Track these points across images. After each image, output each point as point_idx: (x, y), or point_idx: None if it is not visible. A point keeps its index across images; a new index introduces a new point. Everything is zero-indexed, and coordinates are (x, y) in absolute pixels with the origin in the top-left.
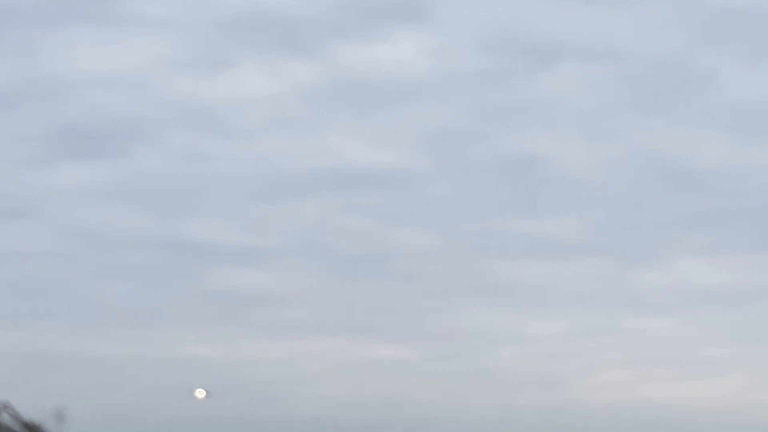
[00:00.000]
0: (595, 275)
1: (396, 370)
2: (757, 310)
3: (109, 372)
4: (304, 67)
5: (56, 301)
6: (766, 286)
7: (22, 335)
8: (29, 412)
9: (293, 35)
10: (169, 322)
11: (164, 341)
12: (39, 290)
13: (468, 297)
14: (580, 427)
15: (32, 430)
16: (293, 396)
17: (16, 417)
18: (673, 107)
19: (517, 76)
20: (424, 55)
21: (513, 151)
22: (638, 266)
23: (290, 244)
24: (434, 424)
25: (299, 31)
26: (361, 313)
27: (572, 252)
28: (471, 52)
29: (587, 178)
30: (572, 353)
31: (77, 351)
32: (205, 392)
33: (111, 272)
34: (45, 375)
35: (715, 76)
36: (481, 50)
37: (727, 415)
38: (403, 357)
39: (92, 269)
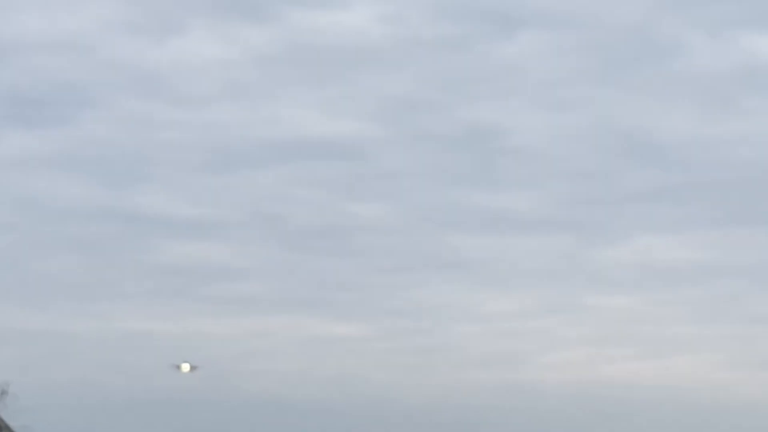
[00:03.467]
0: (555, 251)
1: (351, 347)
2: (721, 288)
3: (54, 347)
4: (257, 32)
5: None
6: (730, 263)
7: None
8: None
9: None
10: (116, 297)
11: (112, 316)
12: None
13: (425, 273)
14: (539, 406)
15: None
16: (246, 373)
17: None
18: (636, 77)
19: (476, 44)
20: (381, 22)
21: (471, 122)
22: (599, 242)
23: (243, 217)
24: (390, 402)
25: None
26: (316, 289)
27: (532, 227)
28: (428, 18)
29: (547, 150)
30: (531, 331)
31: (20, 326)
32: (189, 366)
33: (56, 244)
34: None
35: (680, 46)
36: (439, 17)
37: (689, 395)
38: (359, 334)
39: (36, 241)
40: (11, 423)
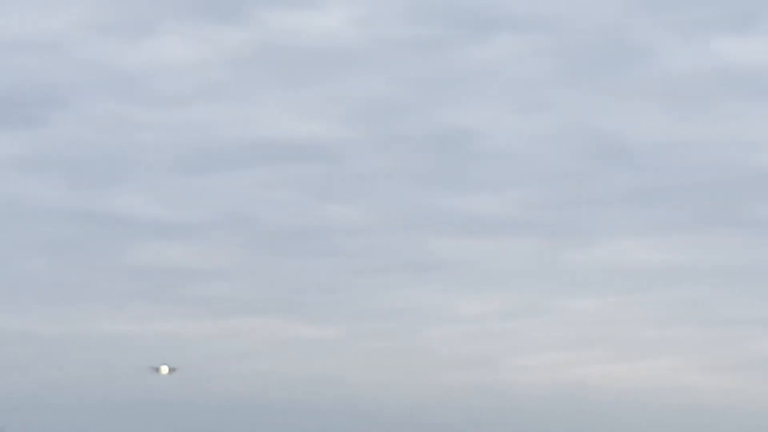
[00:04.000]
0: (527, 253)
1: (326, 349)
2: (691, 291)
3: (27, 349)
4: (231, 33)
5: None
6: (701, 266)
7: None
8: None
9: (219, 0)
10: (90, 299)
11: (85, 318)
12: None
13: (398, 275)
14: (512, 408)
15: None
16: (221, 375)
17: None
18: (609, 80)
19: (449, 47)
20: (355, 23)
21: (445, 124)
22: (572, 245)
23: (217, 218)
24: (365, 403)
25: None
26: (291, 291)
27: (505, 229)
28: (402, 21)
29: (520, 152)
30: (503, 333)
31: None
32: (168, 368)
33: (29, 246)
34: None
35: (652, 49)
36: (413, 19)
37: (659, 397)
38: (333, 336)
39: (9, 243)
40: None
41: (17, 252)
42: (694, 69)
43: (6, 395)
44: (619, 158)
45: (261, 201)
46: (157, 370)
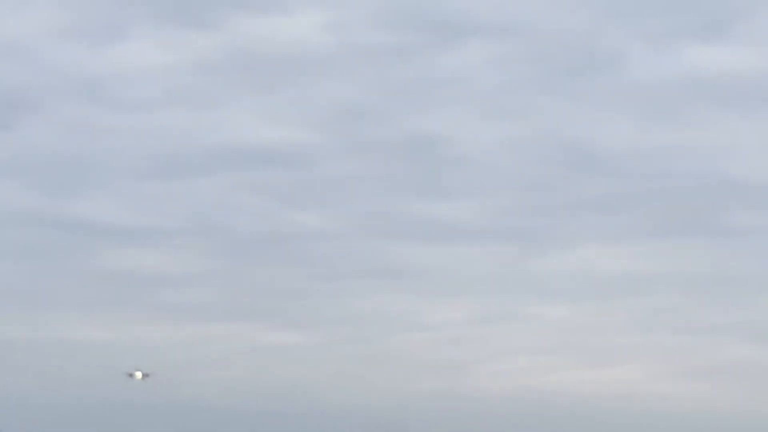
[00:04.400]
0: (497, 260)
1: (295, 355)
2: (660, 298)
3: None
4: (200, 38)
5: None
6: (670, 273)
7: None
8: None
9: (188, 5)
10: (57, 304)
11: (52, 324)
12: None
13: (367, 281)
14: (482, 415)
15: None
16: (189, 381)
17: None
18: (580, 88)
19: (419, 53)
20: (324, 29)
21: (415, 131)
22: (541, 252)
23: (186, 224)
24: (334, 409)
25: (194, 1)
26: (259, 297)
27: (475, 236)
28: (373, 27)
29: (491, 159)
30: (474, 340)
31: None
32: (141, 374)
33: None
34: None
35: (622, 57)
36: (384, 25)
37: (629, 403)
38: (302, 342)
39: None
40: None
41: None
42: (663, 77)
43: None
44: (589, 165)
45: (230, 207)
46: (131, 375)
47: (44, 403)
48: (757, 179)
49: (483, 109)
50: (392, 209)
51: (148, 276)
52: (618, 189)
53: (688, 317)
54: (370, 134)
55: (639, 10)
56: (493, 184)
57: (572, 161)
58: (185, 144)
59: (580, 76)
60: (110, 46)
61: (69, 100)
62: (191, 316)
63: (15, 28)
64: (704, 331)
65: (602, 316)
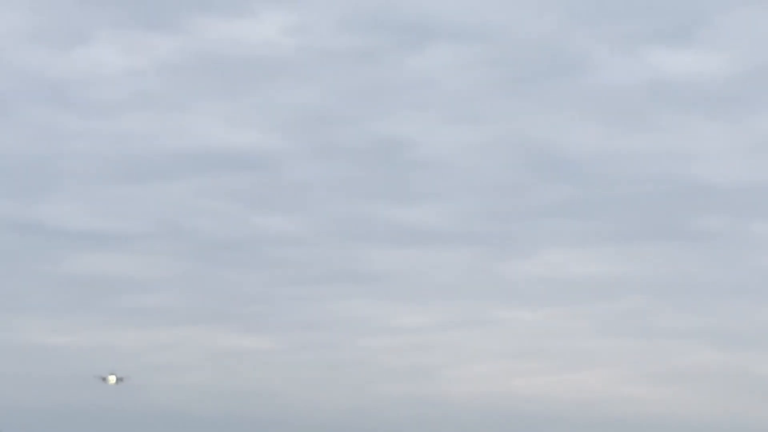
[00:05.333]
0: (464, 265)
1: (260, 360)
2: (627, 302)
3: None
4: (164, 41)
5: None
6: (636, 277)
7: None
8: None
9: (153, 8)
10: (21, 308)
11: (16, 328)
12: None
13: (334, 285)
14: (449, 420)
15: None
16: (153, 386)
17: None
18: (546, 91)
19: (386, 57)
20: (288, 32)
21: (382, 134)
22: (508, 256)
23: (150, 228)
24: (300, 415)
25: (158, 5)
26: (225, 301)
27: (442, 240)
28: (337, 30)
29: (457, 163)
30: (441, 344)
31: None
32: (115, 378)
33: None
34: None
35: (589, 61)
36: (348, 28)
37: (596, 408)
38: (268, 347)
39: None
40: None
41: None
42: (629, 81)
43: None
44: (556, 169)
45: (196, 211)
46: (105, 379)
47: (8, 407)
48: (723, 183)
49: (449, 112)
50: (359, 213)
51: (114, 280)
52: (584, 193)
53: (655, 321)
54: (336, 138)
55: (605, 15)
56: (460, 188)
57: (539, 165)
58: (151, 148)
59: (546, 80)
60: (76, 50)
61: (34, 104)
62: (157, 321)
63: None
64: (671, 335)
65: (569, 320)
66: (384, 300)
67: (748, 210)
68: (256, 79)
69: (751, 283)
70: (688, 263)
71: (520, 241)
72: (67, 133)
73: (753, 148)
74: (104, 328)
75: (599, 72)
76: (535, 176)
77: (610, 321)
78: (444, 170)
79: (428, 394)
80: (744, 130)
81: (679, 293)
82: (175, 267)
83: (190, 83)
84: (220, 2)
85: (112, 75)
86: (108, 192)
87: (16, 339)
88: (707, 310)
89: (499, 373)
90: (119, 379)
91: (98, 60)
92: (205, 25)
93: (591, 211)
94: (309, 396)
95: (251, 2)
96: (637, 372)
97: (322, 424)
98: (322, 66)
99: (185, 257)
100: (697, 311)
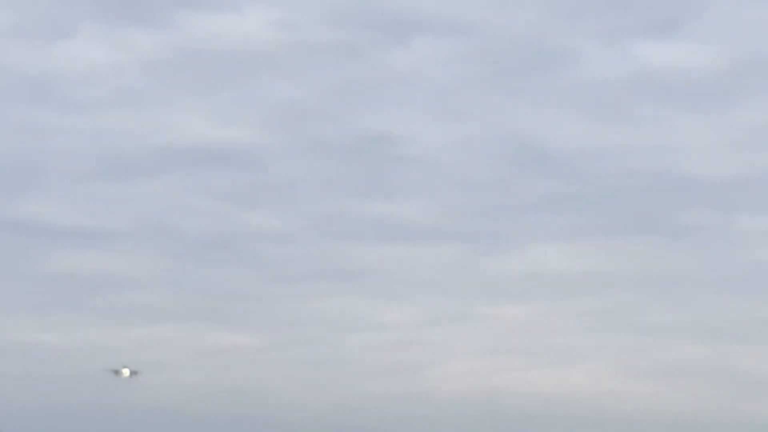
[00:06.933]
0: (449, 261)
1: (246, 357)
2: (612, 298)
3: None
4: (147, 36)
5: None
6: (621, 272)
7: None
8: None
9: (135, 3)
10: (3, 306)
11: (2, 326)
12: None
13: (319, 282)
14: (435, 416)
15: None
16: (137, 385)
17: None
18: (530, 86)
19: (369, 51)
20: (273, 27)
21: (365, 130)
22: (493, 252)
23: (134, 226)
24: (286, 413)
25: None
26: (209, 299)
27: (426, 236)
28: (321, 25)
29: (441, 159)
30: (425, 341)
31: None
32: (129, 371)
33: None
34: None
35: (572, 54)
36: (333, 23)
37: (582, 403)
38: (254, 344)
39: None
40: None
41: None
42: (614, 75)
43: None
44: (541, 164)
45: (179, 208)
46: (117, 372)
47: None
48: (709, 177)
49: (434, 107)
50: (343, 210)
51: (97, 278)
52: (569, 188)
53: (640, 317)
54: (320, 134)
55: (590, 7)
56: (445, 184)
57: (524, 160)
58: (133, 144)
59: (530, 73)
60: (56, 46)
61: (15, 101)
62: (141, 318)
63: None
64: (656, 330)
65: (554, 316)
66: (369, 297)
67: (733, 204)
68: (239, 74)
69: (737, 278)
70: (674, 258)
71: (505, 237)
72: (49, 129)
73: (739, 142)
74: (88, 326)
75: (585, 65)
76: (520, 171)
77: (596, 316)
78: (429, 166)
79: (414, 391)
80: (730, 123)
81: (665, 288)
82: (160, 264)
83: (174, 79)
84: None
85: (94, 71)
86: (91, 189)
87: (1, 337)
88: (692, 305)
89: (485, 370)
90: (133, 373)
91: (80, 55)
92: (189, 20)
93: (576, 206)
94: (295, 393)
95: None
96: (623, 367)
97: (308, 422)
98: (306, 61)
99: (169, 254)
100: (682, 306)
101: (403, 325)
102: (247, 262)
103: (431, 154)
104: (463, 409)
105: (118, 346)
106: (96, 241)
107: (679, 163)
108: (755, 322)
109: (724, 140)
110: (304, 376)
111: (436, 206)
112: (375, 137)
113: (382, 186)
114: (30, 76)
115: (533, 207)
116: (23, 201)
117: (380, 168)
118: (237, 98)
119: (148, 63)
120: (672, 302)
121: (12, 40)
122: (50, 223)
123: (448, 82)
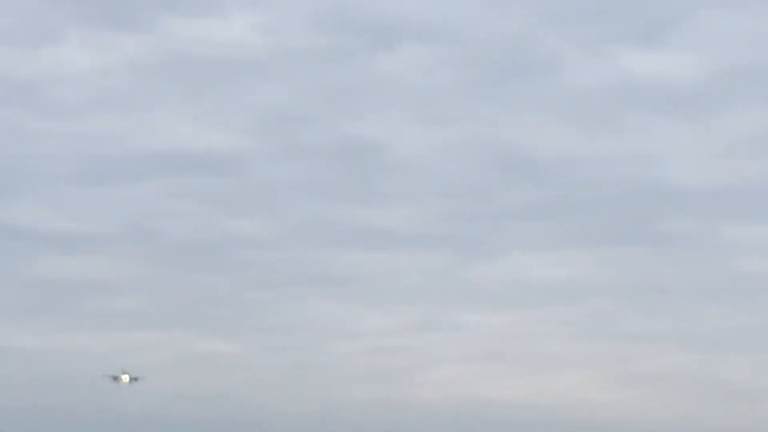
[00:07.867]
0: (431, 268)
1: (228, 363)
2: (594, 306)
3: None
4: (132, 41)
5: None
6: (604, 281)
7: None
8: None
9: (121, 7)
10: None
11: None
12: None
13: (302, 288)
14: (416, 423)
15: None
16: (119, 389)
17: None
18: (515, 93)
19: (354, 57)
20: (258, 32)
21: (350, 136)
22: (475, 259)
23: (117, 231)
24: (268, 419)
25: (127, 4)
26: (192, 305)
27: (409, 243)
28: (307, 29)
29: (425, 165)
30: (407, 348)
31: None
32: (129, 377)
33: None
34: None
35: (558, 62)
36: (318, 29)
37: (564, 411)
38: (236, 350)
39: None
40: None
41: None
42: (600, 82)
43: None
44: (525, 172)
45: (163, 213)
46: (116, 378)
47: None
48: (692, 186)
49: (418, 114)
50: (326, 216)
51: (81, 282)
52: (553, 196)
53: (622, 325)
54: (304, 139)
55: (574, 16)
56: (428, 191)
57: (507, 167)
58: (119, 149)
59: (515, 81)
60: (42, 50)
61: (1, 105)
62: (122, 324)
63: None
64: (638, 338)
65: (536, 324)
66: (351, 303)
67: (717, 213)
68: (224, 79)
69: (719, 287)
70: (657, 267)
71: (488, 244)
72: (34, 133)
73: (722, 151)
74: (71, 330)
75: (569, 73)
76: (503, 179)
77: (578, 324)
78: (412, 172)
79: (396, 397)
80: (713, 132)
81: (647, 297)
82: (143, 269)
83: (159, 83)
84: (190, 2)
85: (79, 75)
86: (75, 193)
87: None
88: (675, 313)
89: (467, 377)
90: (133, 379)
91: (66, 60)
92: (174, 25)
93: (559, 214)
94: (276, 399)
95: (220, 2)
96: (605, 375)
97: (291, 427)
98: (291, 66)
99: (153, 260)
100: (664, 315)
101: (385, 332)
102: (230, 268)
103: (415, 161)
104: (444, 415)
105: (99, 351)
106: (80, 245)
107: (663, 172)
108: (738, 331)
109: (708, 150)
110: (285, 381)
111: (420, 213)
112: (359, 144)
113: (365, 193)
114: (15, 80)
115: (517, 215)
116: (7, 205)
117: (364, 174)
118: (221, 103)
119: (134, 68)
120: (654, 311)
121: None
122: (34, 227)
123: (433, 89)
